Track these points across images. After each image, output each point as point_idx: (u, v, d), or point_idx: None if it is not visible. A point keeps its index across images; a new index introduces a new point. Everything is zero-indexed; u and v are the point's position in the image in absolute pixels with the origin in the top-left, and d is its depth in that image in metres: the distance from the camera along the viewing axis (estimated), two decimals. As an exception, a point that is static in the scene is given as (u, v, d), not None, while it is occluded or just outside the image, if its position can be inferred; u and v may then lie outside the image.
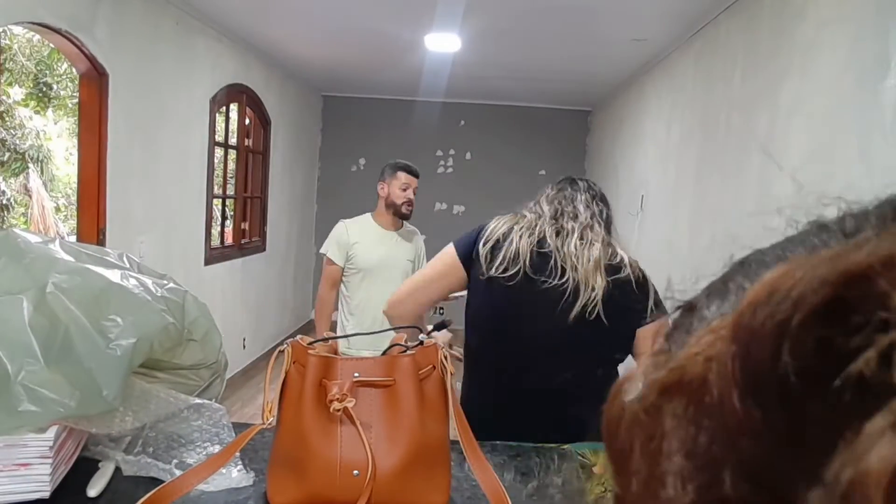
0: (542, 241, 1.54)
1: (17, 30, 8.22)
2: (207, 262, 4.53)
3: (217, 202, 5.00)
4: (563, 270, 1.48)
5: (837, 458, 0.16)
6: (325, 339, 1.02)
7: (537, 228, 1.55)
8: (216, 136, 4.58)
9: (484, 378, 1.61)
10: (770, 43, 2.82)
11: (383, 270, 2.99)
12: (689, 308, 0.25)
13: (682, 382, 0.20)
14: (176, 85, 3.97)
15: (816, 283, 0.18)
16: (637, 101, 5.16)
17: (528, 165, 7.11)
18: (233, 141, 5.33)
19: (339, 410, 0.88)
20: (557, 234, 1.54)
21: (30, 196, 10.91)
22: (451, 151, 7.19)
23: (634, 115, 5.23)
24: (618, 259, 1.51)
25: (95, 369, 0.91)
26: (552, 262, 1.50)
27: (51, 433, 0.90)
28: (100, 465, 1.01)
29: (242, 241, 5.33)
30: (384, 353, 0.99)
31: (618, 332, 1.51)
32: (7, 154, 10.48)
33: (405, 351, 0.97)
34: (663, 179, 4.32)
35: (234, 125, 5.54)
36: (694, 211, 3.66)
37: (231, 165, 5.65)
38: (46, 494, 0.90)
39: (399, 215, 3.06)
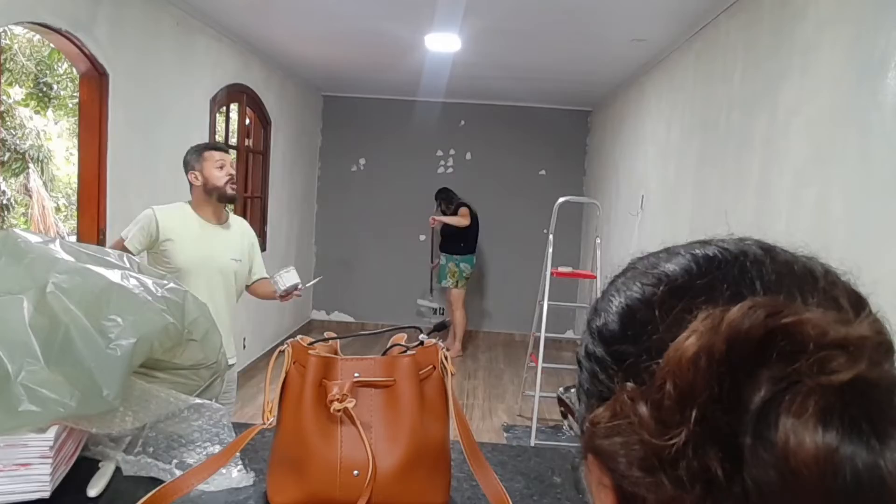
0: None
1: (17, 30, 8.22)
2: (207, 262, 4.52)
3: (217, 202, 4.99)
4: None
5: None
6: (326, 339, 1.02)
7: None
8: (216, 136, 4.58)
9: None
10: (770, 43, 2.82)
11: (203, 271, 2.58)
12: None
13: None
14: (176, 85, 3.97)
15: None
16: (637, 101, 5.16)
17: (528, 165, 7.11)
18: (233, 141, 5.33)
19: (339, 411, 0.88)
20: None
21: (30, 196, 10.92)
22: (452, 151, 7.19)
23: (634, 115, 5.23)
24: None
25: (95, 369, 0.91)
26: None
27: (51, 433, 0.90)
28: (100, 465, 1.01)
29: (242, 241, 5.32)
30: (384, 353, 0.99)
31: None
32: (7, 154, 10.48)
33: (405, 351, 0.97)
34: (663, 179, 4.31)
35: (234, 125, 5.54)
36: (694, 211, 3.66)
37: (231, 165, 5.64)
38: (46, 494, 0.90)
39: (225, 199, 2.66)
